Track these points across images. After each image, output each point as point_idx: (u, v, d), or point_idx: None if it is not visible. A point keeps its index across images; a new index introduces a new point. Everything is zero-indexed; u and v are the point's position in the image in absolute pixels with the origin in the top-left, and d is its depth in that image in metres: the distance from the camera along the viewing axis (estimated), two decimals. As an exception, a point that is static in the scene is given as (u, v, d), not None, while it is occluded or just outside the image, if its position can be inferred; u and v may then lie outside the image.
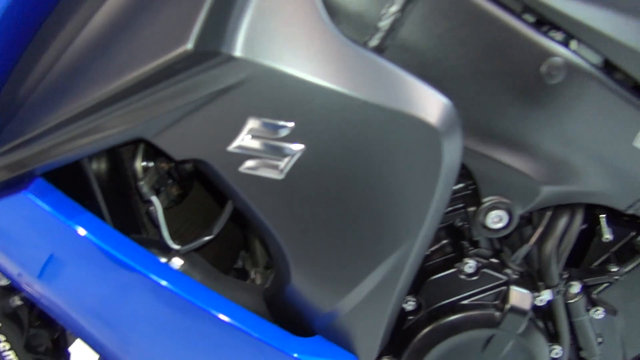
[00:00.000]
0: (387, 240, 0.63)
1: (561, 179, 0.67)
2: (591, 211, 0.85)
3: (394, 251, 0.63)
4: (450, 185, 0.61)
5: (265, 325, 0.70)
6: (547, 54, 0.60)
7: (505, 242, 0.81)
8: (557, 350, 0.78)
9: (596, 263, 0.84)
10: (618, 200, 0.74)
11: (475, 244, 0.78)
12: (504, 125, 0.63)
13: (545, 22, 0.63)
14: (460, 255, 0.75)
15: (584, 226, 0.87)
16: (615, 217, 0.84)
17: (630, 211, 0.76)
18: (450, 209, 0.72)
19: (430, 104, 0.58)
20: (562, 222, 0.74)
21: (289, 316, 0.71)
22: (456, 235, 0.77)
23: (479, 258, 0.75)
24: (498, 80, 0.61)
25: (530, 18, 0.63)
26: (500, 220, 0.67)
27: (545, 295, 0.75)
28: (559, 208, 0.75)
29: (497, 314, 0.73)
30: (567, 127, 0.65)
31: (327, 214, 0.61)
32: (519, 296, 0.72)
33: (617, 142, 0.68)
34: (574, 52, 0.62)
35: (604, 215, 0.85)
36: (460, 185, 0.71)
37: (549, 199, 0.69)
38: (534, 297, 0.74)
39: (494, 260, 0.76)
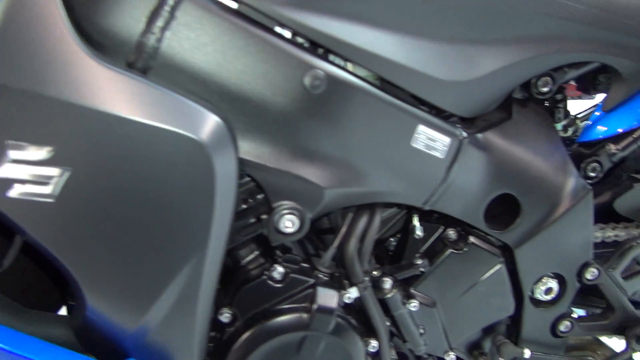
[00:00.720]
0: (175, 254, 0.64)
1: (345, 182, 0.72)
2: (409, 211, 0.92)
3: (184, 264, 0.64)
4: (229, 197, 0.64)
5: (70, 357, 0.68)
6: (307, 66, 0.65)
7: (323, 246, 0.85)
8: (374, 344, 0.82)
9: (413, 259, 0.90)
10: (412, 198, 0.81)
11: (287, 251, 0.81)
12: (279, 136, 0.67)
13: (319, 45, 0.68)
14: (271, 263, 0.78)
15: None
16: (428, 214, 0.91)
17: (427, 207, 0.83)
18: (254, 219, 0.75)
19: (196, 121, 0.60)
20: (362, 222, 0.79)
21: (99, 342, 0.70)
22: (267, 245, 0.79)
23: (289, 264, 0.78)
24: (266, 93, 0.65)
25: (301, 39, 0.68)
26: (293, 224, 0.70)
27: (352, 293, 0.79)
28: (360, 209, 0.80)
29: (306, 315, 0.76)
30: (341, 133, 0.70)
31: (107, 233, 0.62)
32: (324, 296, 0.76)
33: (395, 144, 0.74)
34: (333, 63, 0.68)
35: (417, 214, 0.92)
36: (262, 195, 0.74)
37: (339, 201, 0.74)
38: (341, 296, 0.78)
39: (304, 264, 0.80)
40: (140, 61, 0.60)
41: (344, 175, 0.71)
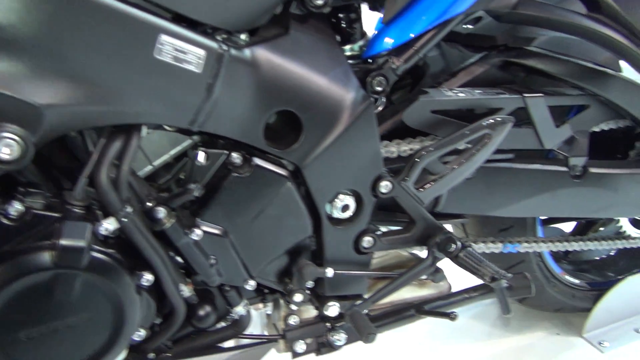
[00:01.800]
0: None
1: (73, 100, 0.64)
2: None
3: None
4: None
5: None
6: None
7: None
8: (148, 278, 0.77)
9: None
10: (173, 118, 0.75)
11: (33, 186, 0.73)
12: None
13: None
14: (6, 201, 0.69)
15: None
16: (214, 141, 0.87)
17: (196, 128, 0.78)
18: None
19: None
20: (114, 148, 0.72)
21: None
22: (9, 184, 0.71)
23: (32, 199, 0.70)
24: None
25: None
26: (11, 150, 0.62)
27: (109, 225, 0.73)
28: (114, 133, 0.73)
29: (51, 253, 0.69)
30: (50, 41, 0.62)
31: None
32: (71, 230, 0.68)
33: (131, 56, 0.68)
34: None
35: (200, 142, 0.87)
36: None
37: (74, 121, 0.66)
38: (96, 228, 0.72)
39: (54, 199, 0.72)
40: None
41: (69, 92, 0.64)
